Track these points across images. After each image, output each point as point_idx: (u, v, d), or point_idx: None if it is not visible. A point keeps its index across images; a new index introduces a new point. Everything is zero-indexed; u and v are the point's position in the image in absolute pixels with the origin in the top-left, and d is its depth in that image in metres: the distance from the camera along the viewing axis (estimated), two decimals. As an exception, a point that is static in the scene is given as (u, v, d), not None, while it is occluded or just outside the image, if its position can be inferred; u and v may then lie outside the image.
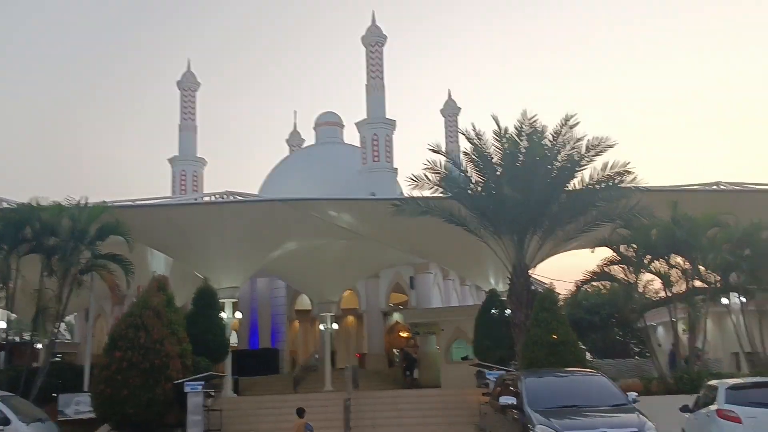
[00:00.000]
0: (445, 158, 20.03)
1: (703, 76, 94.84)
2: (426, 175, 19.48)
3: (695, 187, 23.69)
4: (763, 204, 22.95)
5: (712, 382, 13.85)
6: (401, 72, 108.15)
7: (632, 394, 12.05)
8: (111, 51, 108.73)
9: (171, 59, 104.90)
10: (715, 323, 27.53)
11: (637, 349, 46.15)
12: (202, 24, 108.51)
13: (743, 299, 23.28)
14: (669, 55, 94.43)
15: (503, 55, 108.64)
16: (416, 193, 20.15)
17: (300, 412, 16.45)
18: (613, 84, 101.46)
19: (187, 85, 45.29)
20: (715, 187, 24.41)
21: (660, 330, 37.28)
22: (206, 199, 26.39)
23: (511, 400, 11.73)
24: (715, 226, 20.24)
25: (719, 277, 20.38)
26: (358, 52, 43.05)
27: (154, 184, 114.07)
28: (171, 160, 44.16)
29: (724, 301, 22.53)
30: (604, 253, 22.22)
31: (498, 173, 19.66)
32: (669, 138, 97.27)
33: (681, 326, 29.46)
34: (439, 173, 19.81)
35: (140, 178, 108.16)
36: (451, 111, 50.74)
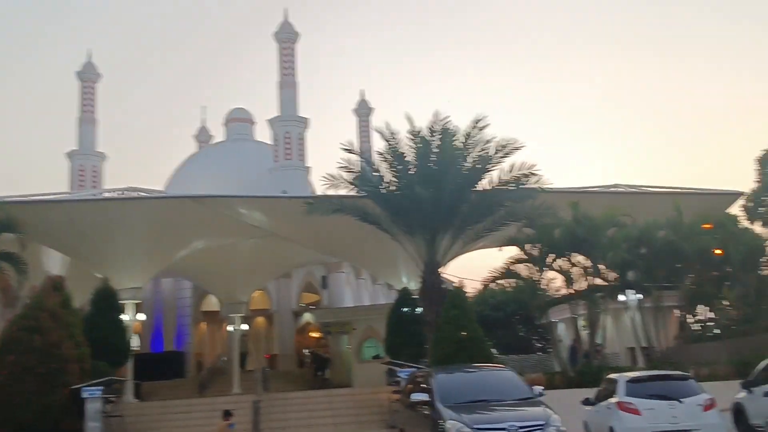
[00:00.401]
0: (359, 157, 20.00)
1: (609, 80, 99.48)
2: (340, 174, 19.40)
3: (595, 189, 24.73)
4: (657, 205, 24.22)
5: (612, 376, 14.47)
6: (315, 70, 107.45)
7: (538, 388, 12.38)
8: (6, 37, 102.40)
9: (71, 49, 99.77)
10: (612, 319, 28.89)
11: (539, 345, 47.94)
12: (106, 13, 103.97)
13: (640, 296, 24.58)
14: (579, 59, 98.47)
15: (417, 57, 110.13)
16: (331, 192, 20.01)
17: (226, 414, 16.12)
18: (524, 86, 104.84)
19: (88, 77, 43.20)
20: (613, 189, 25.57)
21: (561, 326, 38.75)
22: (107, 195, 25.20)
23: (422, 397, 11.81)
24: (614, 226, 21.22)
25: (617, 275, 21.34)
26: (270, 49, 42.43)
27: (50, 179, 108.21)
28: (69, 154, 41.99)
29: (622, 298, 23.66)
30: (511, 251, 22.96)
31: (411, 172, 19.82)
32: (575, 140, 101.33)
33: (581, 322, 30.82)
34: (353, 172, 19.78)
35: (35, 172, 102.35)
36: (364, 111, 50.84)
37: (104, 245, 23.21)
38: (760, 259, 22.46)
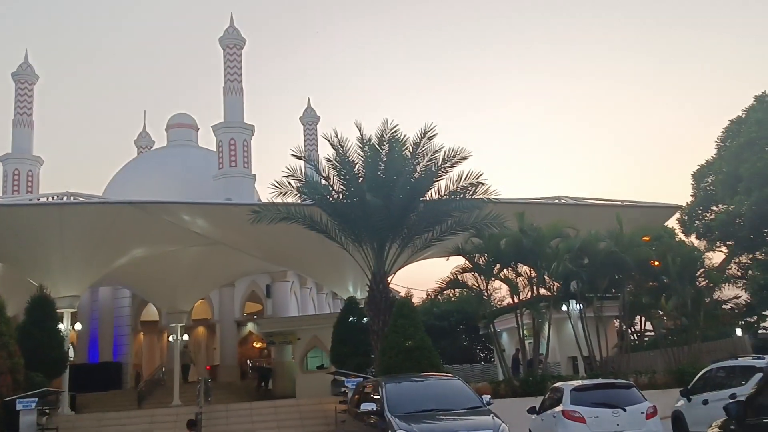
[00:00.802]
0: (306, 164, 19.84)
1: (554, 93, 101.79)
2: (288, 182, 19.18)
3: (541, 200, 25.20)
4: (600, 217, 24.84)
5: (557, 385, 14.70)
6: (260, 77, 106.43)
7: (486, 397, 12.45)
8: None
9: (6, 49, 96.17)
10: (554, 329, 29.38)
11: (482, 354, 48.45)
12: (44, 12, 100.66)
13: (581, 306, 25.12)
14: (525, 72, 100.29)
15: (364, 65, 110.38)
16: (278, 200, 19.76)
17: (190, 424, 15.70)
18: (472, 98, 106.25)
19: (24, 78, 41.53)
20: (557, 200, 26.11)
21: (504, 336, 39.25)
22: (44, 200, 24.23)
23: (371, 406, 11.72)
24: (558, 237, 21.62)
25: (560, 285, 21.73)
26: (215, 55, 41.82)
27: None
28: (3, 158, 40.30)
29: (564, 308, 24.12)
30: (458, 261, 23.14)
31: (360, 180, 19.76)
32: (521, 152, 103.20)
33: (523, 332, 31.25)
34: (300, 179, 19.59)
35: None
36: (310, 119, 50.61)
37: (40, 251, 22.31)
38: (696, 271, 23.25)
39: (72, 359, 24.52)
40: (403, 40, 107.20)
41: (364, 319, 24.34)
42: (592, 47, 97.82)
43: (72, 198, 22.64)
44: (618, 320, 27.97)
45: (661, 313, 25.42)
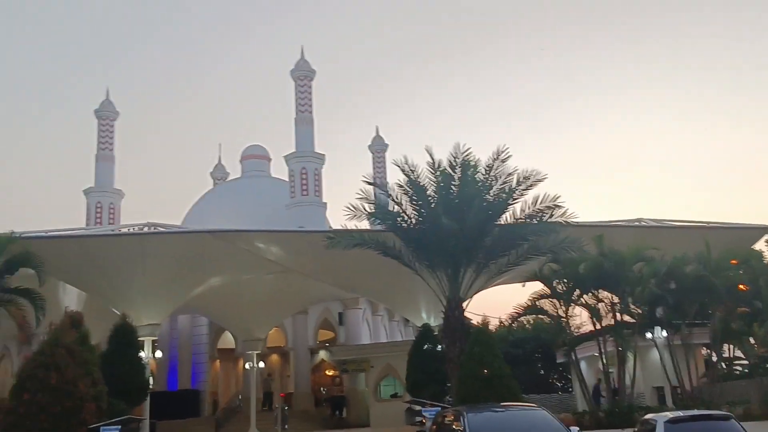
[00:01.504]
0: (378, 190, 19.77)
1: (625, 117, 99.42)
2: (362, 205, 19.17)
3: (621, 223, 24.32)
4: (682, 240, 23.74)
5: (649, 417, 13.83)
6: (329, 107, 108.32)
7: (574, 429, 11.84)
8: (23, 75, 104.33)
9: (89, 87, 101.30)
10: (638, 358, 28.13)
11: (559, 384, 46.87)
12: (123, 52, 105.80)
13: (665, 333, 23.93)
14: (602, 91, 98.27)
15: (431, 93, 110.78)
16: (351, 224, 19.77)
17: None
18: (546, 118, 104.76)
19: (105, 114, 43.55)
20: (637, 223, 25.16)
21: (582, 364, 37.84)
22: (125, 230, 25.05)
23: (452, 437, 11.30)
24: (641, 260, 20.72)
25: (646, 311, 20.77)
26: (286, 86, 42.74)
27: (67, 217, 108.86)
28: (86, 191, 42.14)
29: (648, 335, 23.01)
30: (533, 287, 22.46)
31: (433, 205, 19.53)
32: (595, 173, 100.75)
33: (604, 360, 29.99)
34: (374, 203, 19.55)
35: (52, 210, 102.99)
36: (378, 147, 50.92)
37: (122, 281, 23.00)
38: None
39: (152, 387, 25.01)
40: (470, 67, 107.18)
41: (439, 346, 23.95)
42: (672, 66, 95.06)
43: (153, 228, 23.27)
44: (706, 348, 26.48)
45: (753, 340, 23.95)
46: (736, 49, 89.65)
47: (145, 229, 23.31)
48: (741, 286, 21.43)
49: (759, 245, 30.96)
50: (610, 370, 32.70)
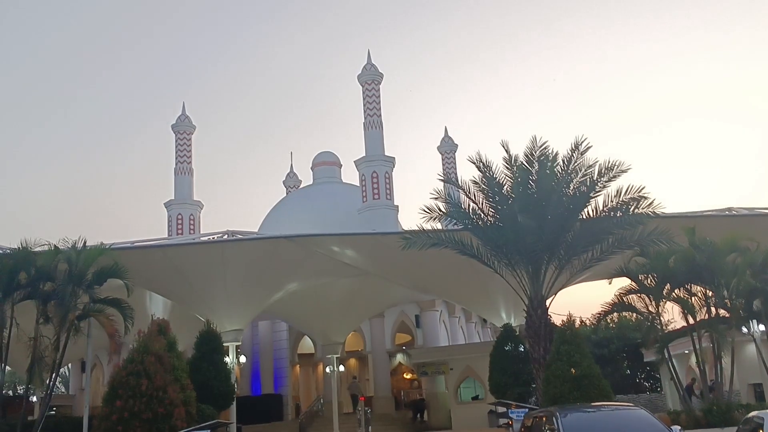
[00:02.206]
0: (453, 188, 19.42)
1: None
2: (437, 205, 18.88)
3: (710, 212, 23.12)
4: (777, 228, 22.37)
5: (754, 414, 13.00)
6: (398, 109, 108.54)
7: (676, 428, 11.21)
8: (104, 91, 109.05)
9: (167, 101, 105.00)
10: (730, 354, 26.68)
11: (647, 383, 45.19)
12: (197, 65, 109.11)
13: (762, 327, 22.54)
14: (678, 77, 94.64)
15: (499, 91, 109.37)
16: (427, 225, 19.48)
17: None
18: (621, 110, 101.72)
19: (182, 128, 44.77)
20: (728, 212, 23.87)
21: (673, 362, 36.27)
22: (205, 239, 25.59)
23: (548, 439, 10.86)
24: (734, 251, 19.59)
25: (742, 305, 19.62)
26: (354, 91, 43.00)
27: (149, 229, 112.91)
28: (167, 204, 43.45)
29: (744, 329, 21.74)
30: (619, 284, 21.54)
31: (510, 202, 19.04)
32: (681, 162, 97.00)
33: (694, 358, 28.57)
34: (449, 202, 19.22)
35: (135, 222, 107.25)
36: (448, 148, 50.49)
37: (205, 288, 23.49)
38: None
39: (237, 392, 25.44)
40: (541, 60, 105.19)
41: (521, 346, 23.36)
42: (748, 47, 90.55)
43: (232, 236, 23.67)
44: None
45: None
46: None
47: (225, 237, 23.71)
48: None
49: None
50: (700, 368, 31.35)
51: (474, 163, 19.64)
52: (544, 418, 12.19)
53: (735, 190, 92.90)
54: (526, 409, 17.51)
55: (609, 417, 11.70)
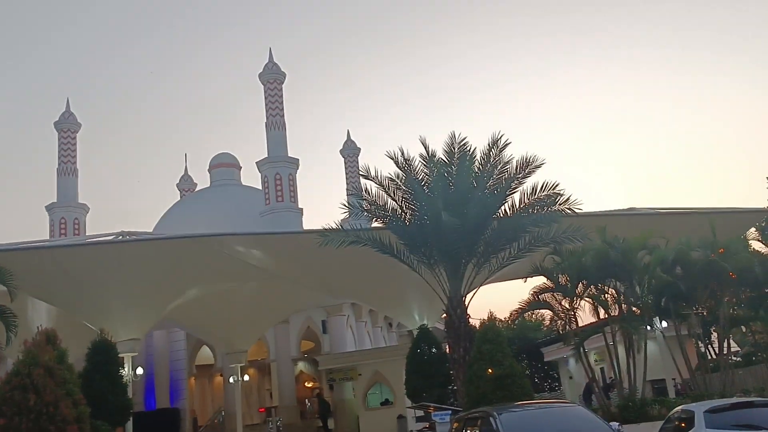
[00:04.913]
0: (376, 185, 18.72)
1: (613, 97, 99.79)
2: (358, 202, 18.09)
3: (619, 211, 23.72)
4: (680, 227, 23.21)
5: (683, 407, 13.02)
6: (301, 111, 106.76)
7: (614, 424, 10.95)
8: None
9: (49, 98, 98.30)
10: (636, 350, 27.52)
11: (545, 384, 46.32)
12: (81, 60, 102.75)
13: (664, 324, 23.29)
14: (587, 73, 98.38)
15: (404, 94, 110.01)
16: (346, 224, 18.67)
17: None
18: (522, 108, 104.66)
19: (66, 126, 41.58)
20: (631, 211, 24.62)
21: (571, 362, 37.27)
22: (101, 239, 23.47)
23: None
24: (644, 248, 20.05)
25: (651, 301, 20.11)
26: (253, 92, 41.54)
27: (27, 235, 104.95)
28: (48, 207, 40.10)
29: (647, 327, 22.35)
30: (533, 283, 21.58)
31: (431, 198, 18.57)
32: (584, 163, 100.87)
33: (593, 357, 29.29)
34: (368, 200, 18.54)
35: (13, 227, 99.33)
36: (350, 151, 49.97)
37: (98, 294, 21.50)
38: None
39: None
40: (452, 59, 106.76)
41: (434, 348, 22.98)
42: (659, 48, 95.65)
43: (128, 236, 21.81)
44: (695, 339, 25.84)
45: (753, 327, 23.52)
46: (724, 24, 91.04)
47: (120, 237, 21.79)
48: (732, 274, 20.82)
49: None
50: (600, 366, 32.21)
51: (392, 158, 19.08)
52: (478, 420, 11.63)
53: (639, 191, 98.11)
54: (449, 411, 17.02)
55: (549, 415, 11.26)
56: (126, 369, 21.94)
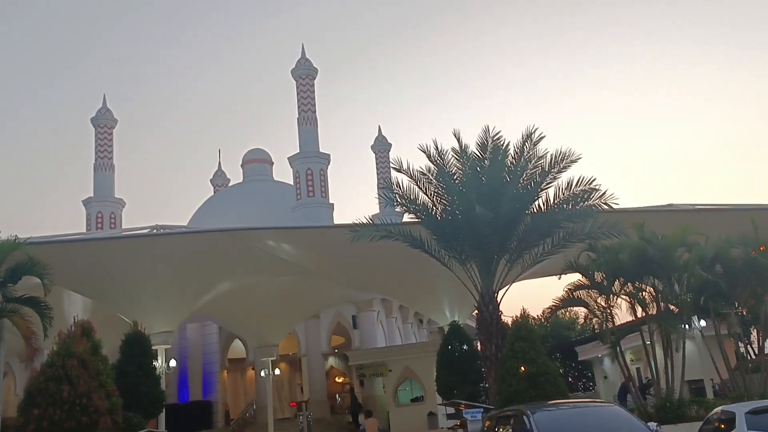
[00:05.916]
0: (407, 178, 18.54)
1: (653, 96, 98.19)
2: (394, 195, 17.95)
3: (657, 207, 23.16)
4: (717, 224, 22.54)
5: (723, 408, 12.63)
6: (332, 107, 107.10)
7: (652, 425, 10.65)
8: (23, 84, 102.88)
9: (87, 95, 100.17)
10: (674, 350, 26.88)
11: (580, 383, 45.70)
12: (120, 57, 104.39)
13: (703, 323, 22.63)
14: (628, 72, 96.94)
15: (435, 90, 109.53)
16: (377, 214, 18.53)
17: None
18: (573, 104, 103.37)
19: (103, 122, 42.25)
20: (670, 208, 24.04)
21: (606, 361, 36.67)
22: (135, 233, 23.68)
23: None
24: (683, 245, 19.49)
25: (691, 300, 19.55)
26: (286, 88, 41.72)
27: (66, 228, 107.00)
28: (85, 202, 40.80)
29: (686, 326, 21.76)
30: (567, 280, 21.16)
31: (464, 191, 18.32)
32: (613, 161, 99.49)
33: (629, 356, 28.67)
34: (399, 193, 18.42)
35: (51, 222, 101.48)
36: (381, 147, 49.84)
37: (132, 286, 21.69)
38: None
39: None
40: (482, 55, 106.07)
41: (464, 345, 22.74)
42: (699, 43, 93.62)
43: (161, 230, 21.97)
44: (734, 338, 25.10)
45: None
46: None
47: (155, 231, 21.95)
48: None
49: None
50: (636, 366, 31.54)
51: (424, 152, 18.87)
52: (511, 419, 11.40)
53: (668, 188, 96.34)
54: (481, 409, 16.79)
55: (584, 414, 10.99)
56: (159, 361, 22.13)
